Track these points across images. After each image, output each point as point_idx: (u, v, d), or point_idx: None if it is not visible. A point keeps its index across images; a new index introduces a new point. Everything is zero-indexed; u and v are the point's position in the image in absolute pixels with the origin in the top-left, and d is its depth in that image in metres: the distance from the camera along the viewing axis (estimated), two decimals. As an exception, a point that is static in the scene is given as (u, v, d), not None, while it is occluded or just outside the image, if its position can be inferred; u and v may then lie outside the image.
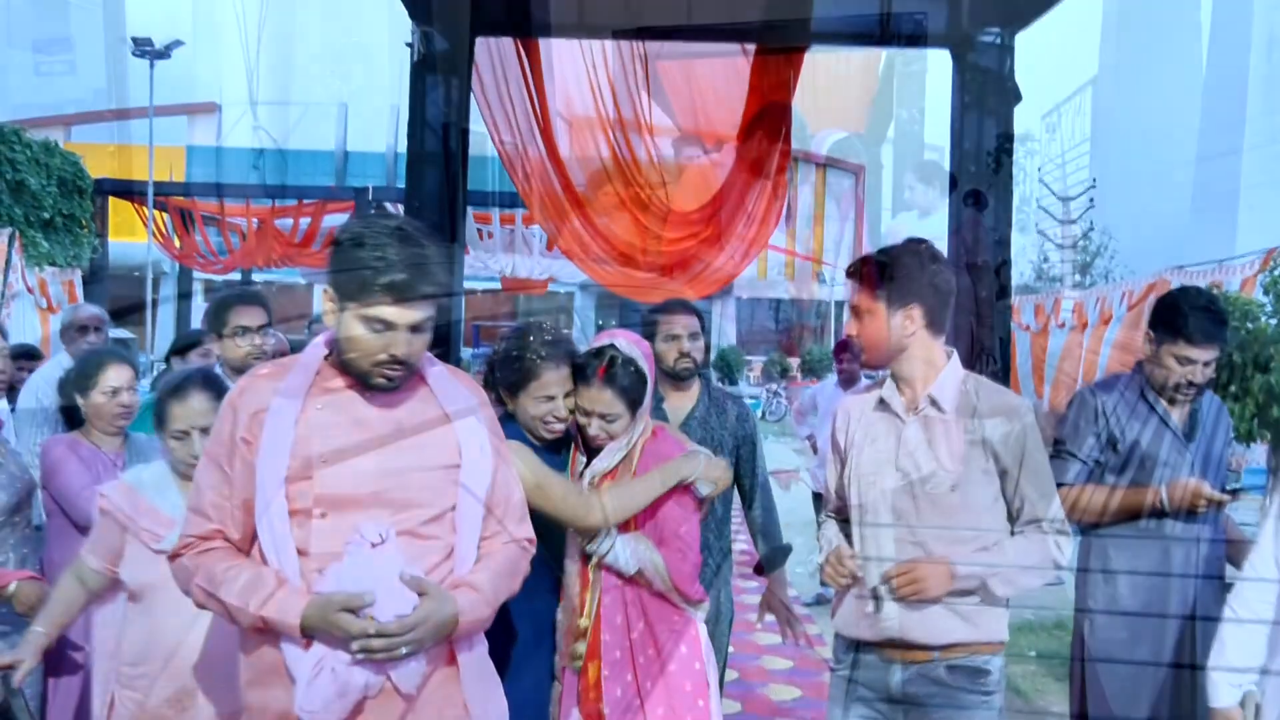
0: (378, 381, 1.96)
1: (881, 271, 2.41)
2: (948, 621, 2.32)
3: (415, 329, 1.94)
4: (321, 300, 2.03)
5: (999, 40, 4.00)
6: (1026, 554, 2.34)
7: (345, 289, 1.93)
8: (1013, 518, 2.39)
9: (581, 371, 2.57)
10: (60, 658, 2.92)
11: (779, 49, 4.61)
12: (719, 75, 5.34)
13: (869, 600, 2.36)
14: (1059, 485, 2.70)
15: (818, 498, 6.23)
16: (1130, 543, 2.97)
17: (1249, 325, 6.18)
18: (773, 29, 4.40)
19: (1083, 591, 3.08)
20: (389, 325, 1.92)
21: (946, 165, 4.33)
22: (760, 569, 3.44)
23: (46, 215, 12.95)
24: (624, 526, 2.51)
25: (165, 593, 2.11)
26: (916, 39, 4.20)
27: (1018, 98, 4.02)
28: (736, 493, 3.36)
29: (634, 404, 2.56)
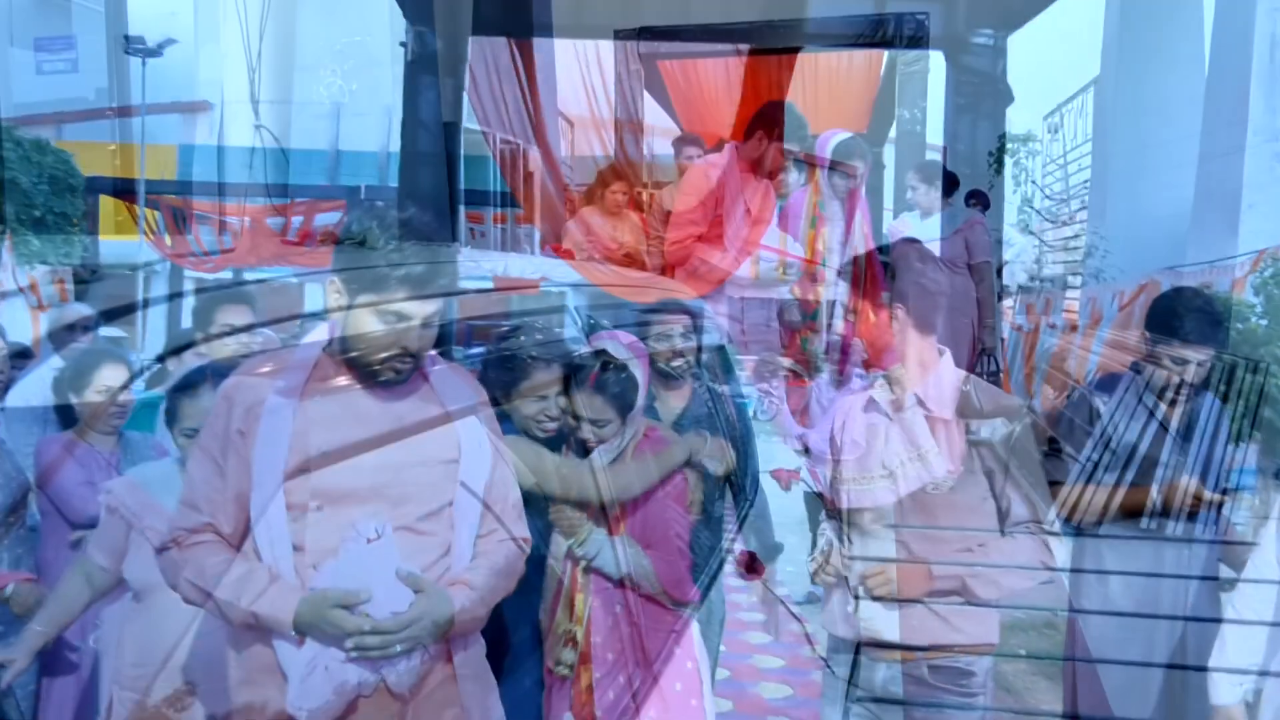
0: (386, 375, 1.94)
1: (870, 272, 2.43)
2: (929, 623, 2.33)
3: (426, 323, 1.94)
4: (326, 294, 1.98)
5: (992, 42, 4.03)
6: (1015, 555, 2.35)
7: (356, 283, 1.92)
8: (1003, 518, 2.40)
9: (573, 376, 2.57)
10: (55, 657, 2.90)
11: (774, 50, 4.62)
12: (716, 75, 5.34)
13: (850, 600, 2.38)
14: (1055, 485, 2.70)
15: (814, 498, 6.22)
16: (1125, 543, 2.98)
17: (1239, 326, 6.19)
18: (769, 30, 4.42)
19: (1077, 591, 3.08)
20: (402, 319, 1.91)
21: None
22: (751, 568, 3.45)
23: (38, 213, 12.89)
24: (615, 529, 2.51)
25: (167, 592, 2.09)
26: (911, 40, 4.21)
27: (1009, 99, 4.05)
28: (730, 493, 3.36)
29: (625, 409, 2.56)
